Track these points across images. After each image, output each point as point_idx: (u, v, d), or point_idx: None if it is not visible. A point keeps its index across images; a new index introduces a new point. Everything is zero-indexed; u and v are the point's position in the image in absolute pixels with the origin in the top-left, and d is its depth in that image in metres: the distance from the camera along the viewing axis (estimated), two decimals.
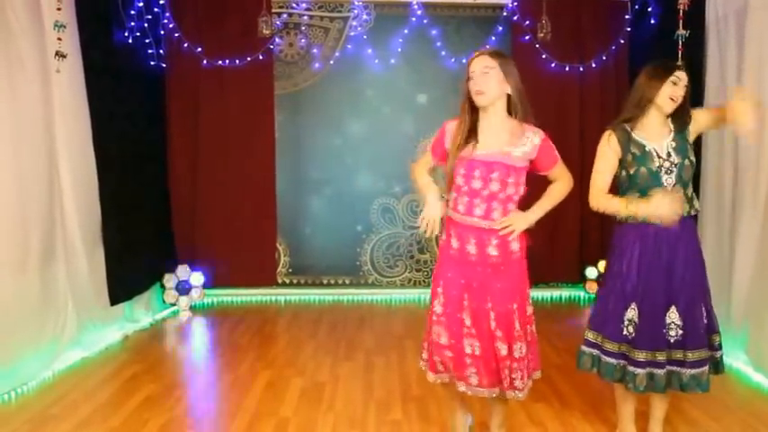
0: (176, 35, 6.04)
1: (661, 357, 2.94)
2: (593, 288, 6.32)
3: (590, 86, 6.30)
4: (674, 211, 2.78)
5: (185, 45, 6.04)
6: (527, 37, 6.14)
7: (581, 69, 6.25)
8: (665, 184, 2.94)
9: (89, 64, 4.71)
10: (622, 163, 3.03)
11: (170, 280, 6.00)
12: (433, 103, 6.46)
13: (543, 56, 6.15)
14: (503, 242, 2.81)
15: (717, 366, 3.07)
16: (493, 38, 6.34)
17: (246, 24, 5.96)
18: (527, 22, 6.11)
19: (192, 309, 6.08)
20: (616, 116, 7.03)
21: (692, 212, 3.00)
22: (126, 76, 5.31)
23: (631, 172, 2.99)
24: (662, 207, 2.77)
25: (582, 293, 6.48)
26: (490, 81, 2.75)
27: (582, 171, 6.35)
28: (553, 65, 6.19)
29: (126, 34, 5.34)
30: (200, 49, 6.05)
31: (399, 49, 6.32)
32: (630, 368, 2.98)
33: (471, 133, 2.82)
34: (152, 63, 5.83)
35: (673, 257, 2.95)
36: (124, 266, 5.08)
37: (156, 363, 4.59)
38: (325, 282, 6.57)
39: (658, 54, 5.35)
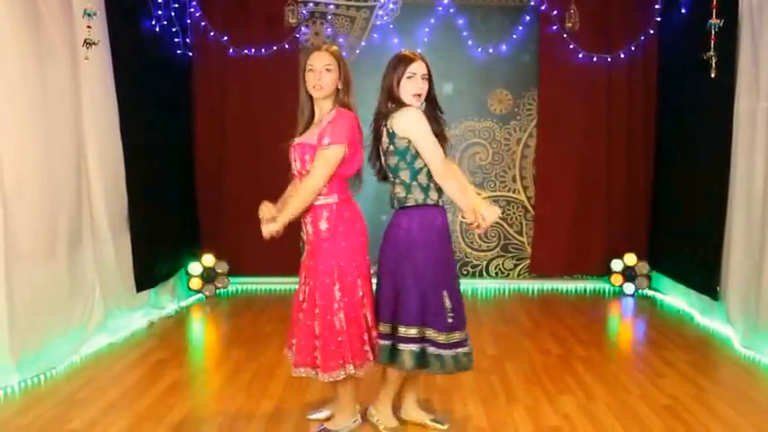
0: (203, 24, 6.06)
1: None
2: (618, 281, 6.28)
3: (618, 77, 6.21)
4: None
5: (212, 34, 6.06)
6: (555, 27, 6.07)
7: (609, 60, 6.16)
8: None
9: (117, 52, 4.74)
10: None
11: (195, 267, 6.05)
12: (459, 93, 6.42)
13: (571, 46, 6.08)
14: None
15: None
16: (520, 27, 6.28)
17: (272, 13, 5.96)
18: (555, 12, 6.04)
19: (217, 296, 6.13)
20: (644, 108, 6.85)
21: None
22: (153, 64, 5.35)
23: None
24: None
25: (607, 286, 6.42)
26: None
27: (608, 162, 6.30)
28: (581, 55, 6.12)
29: (153, 23, 5.36)
30: (226, 38, 6.07)
31: (425, 39, 6.28)
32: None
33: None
34: (178, 51, 5.86)
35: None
36: (150, 253, 5.13)
37: (180, 349, 4.65)
38: None
39: (689, 45, 5.25)
